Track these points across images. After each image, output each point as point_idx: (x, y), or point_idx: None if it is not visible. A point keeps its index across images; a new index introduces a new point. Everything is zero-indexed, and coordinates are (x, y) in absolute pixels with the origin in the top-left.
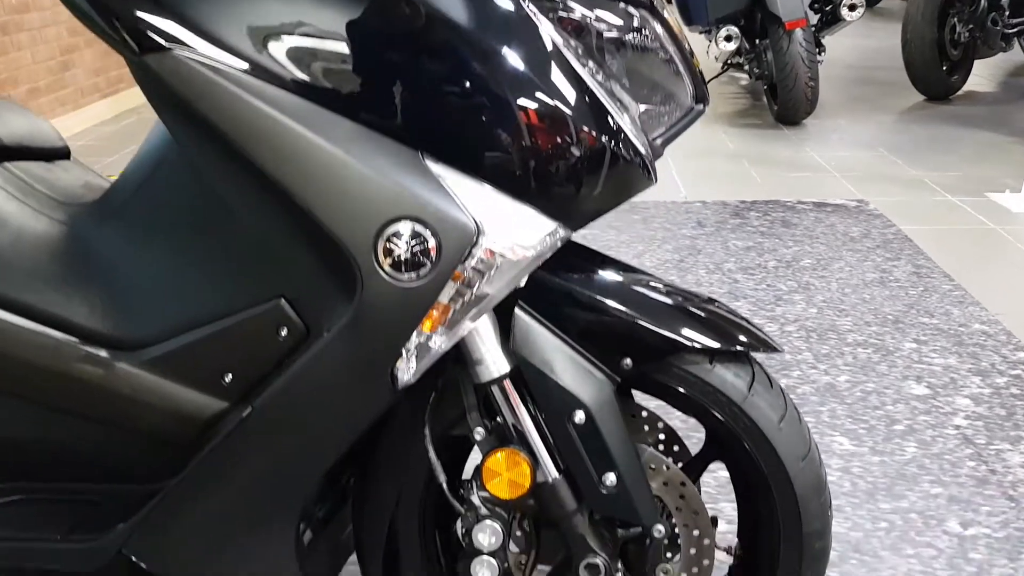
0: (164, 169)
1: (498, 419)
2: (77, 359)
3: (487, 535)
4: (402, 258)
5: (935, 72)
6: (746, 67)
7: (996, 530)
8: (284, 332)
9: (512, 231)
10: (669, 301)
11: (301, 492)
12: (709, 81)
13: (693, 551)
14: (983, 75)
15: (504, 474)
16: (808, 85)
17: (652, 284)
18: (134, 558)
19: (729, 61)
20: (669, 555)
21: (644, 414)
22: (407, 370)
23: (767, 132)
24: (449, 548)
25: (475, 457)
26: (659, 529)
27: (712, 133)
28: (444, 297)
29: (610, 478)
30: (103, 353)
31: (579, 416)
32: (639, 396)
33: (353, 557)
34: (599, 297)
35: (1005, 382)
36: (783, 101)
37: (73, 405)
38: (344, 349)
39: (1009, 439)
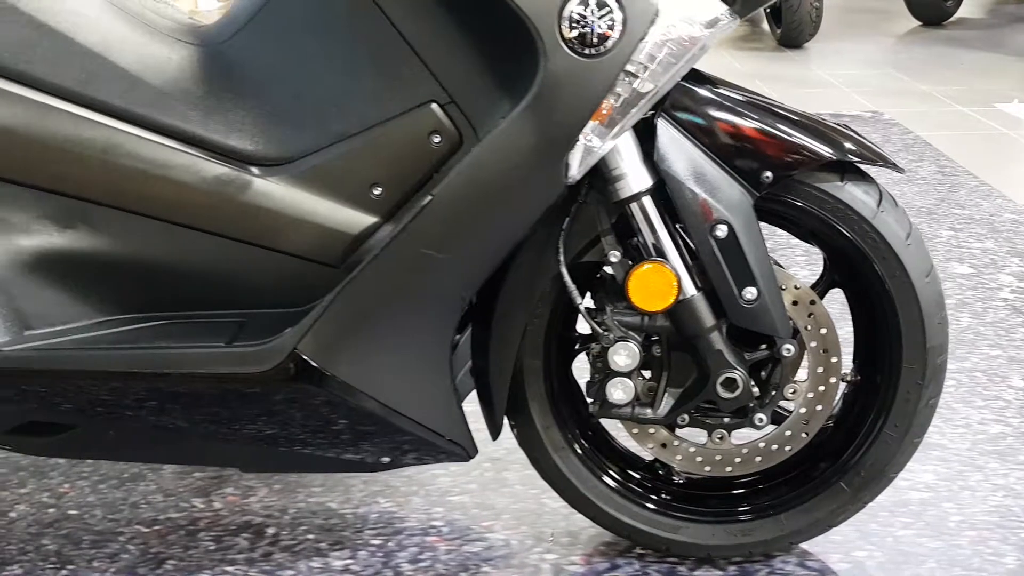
0: None
1: (636, 239)
2: (218, 177)
3: (623, 356)
4: (588, 31)
5: None
6: None
7: None
8: (437, 139)
9: (686, 10)
10: (802, 119)
11: (459, 303)
12: None
13: (821, 369)
14: (973, 3)
15: (651, 287)
16: (813, 6)
17: (783, 105)
18: (306, 357)
19: None
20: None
21: None
22: (575, 163)
23: (773, 54)
24: (568, 383)
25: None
26: (788, 348)
27: (719, 57)
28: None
29: (751, 292)
30: (246, 170)
31: (721, 230)
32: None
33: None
34: (740, 109)
35: None
36: (787, 23)
37: (215, 225)
38: (520, 136)
39: None
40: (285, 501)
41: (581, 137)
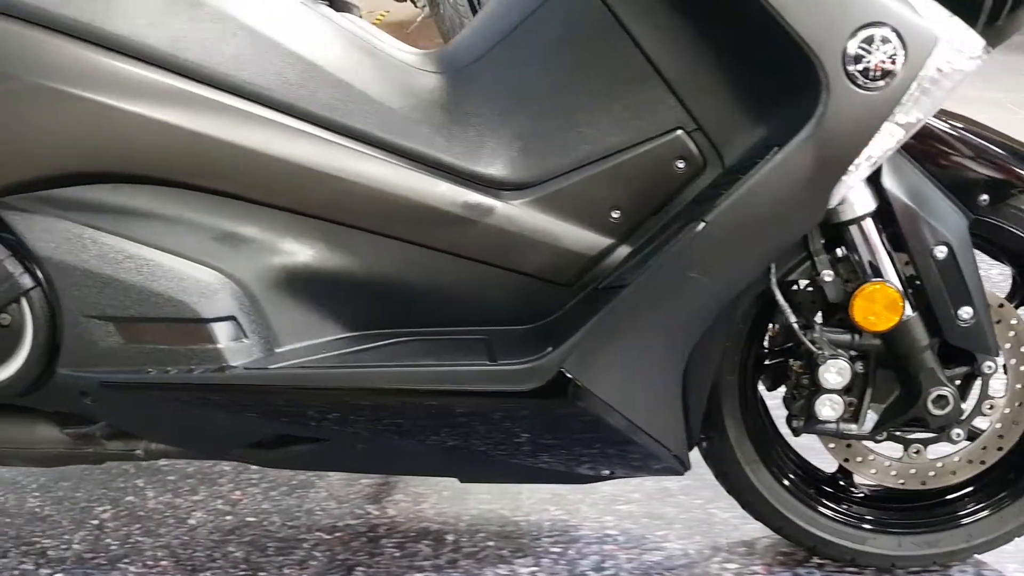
0: (551, 3)
1: (854, 257)
2: (463, 201)
3: (834, 373)
4: (871, 65)
5: None
6: None
7: None
8: (681, 165)
9: (951, 47)
10: (1011, 143)
11: (707, 323)
12: None
13: (1020, 386)
14: None
15: (877, 307)
16: None
17: (992, 129)
18: (571, 375)
19: None
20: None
21: None
22: (837, 192)
23: None
24: (755, 398)
25: None
26: (990, 364)
27: None
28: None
29: (967, 311)
30: (488, 194)
31: (941, 251)
32: None
33: None
34: (957, 133)
35: None
36: None
37: (455, 246)
38: (795, 166)
39: None
40: (457, 508)
41: (852, 167)
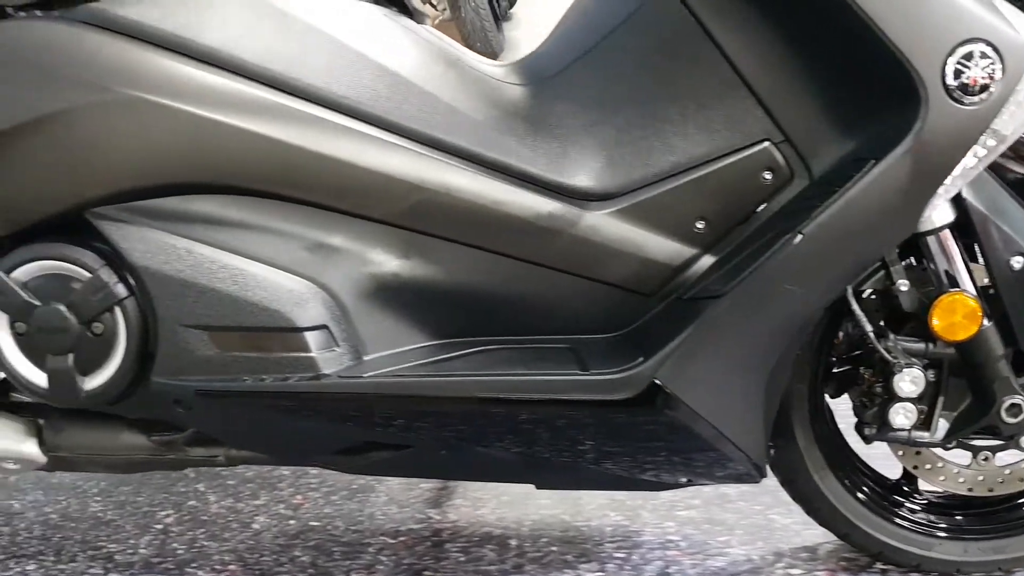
0: (637, 15)
1: (931, 267)
2: (547, 211)
3: (909, 382)
4: (970, 80)
5: None
6: None
7: None
8: (768, 176)
9: None
10: None
11: (796, 333)
12: None
13: None
14: None
15: (956, 317)
16: None
17: None
18: (664, 385)
19: None
20: None
21: None
22: (931, 205)
23: None
24: (824, 410)
25: None
26: None
27: None
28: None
29: None
30: (574, 205)
31: (1017, 261)
32: None
33: None
34: None
35: None
36: None
37: (540, 256)
38: (892, 180)
39: None
40: (517, 513)
41: (947, 180)
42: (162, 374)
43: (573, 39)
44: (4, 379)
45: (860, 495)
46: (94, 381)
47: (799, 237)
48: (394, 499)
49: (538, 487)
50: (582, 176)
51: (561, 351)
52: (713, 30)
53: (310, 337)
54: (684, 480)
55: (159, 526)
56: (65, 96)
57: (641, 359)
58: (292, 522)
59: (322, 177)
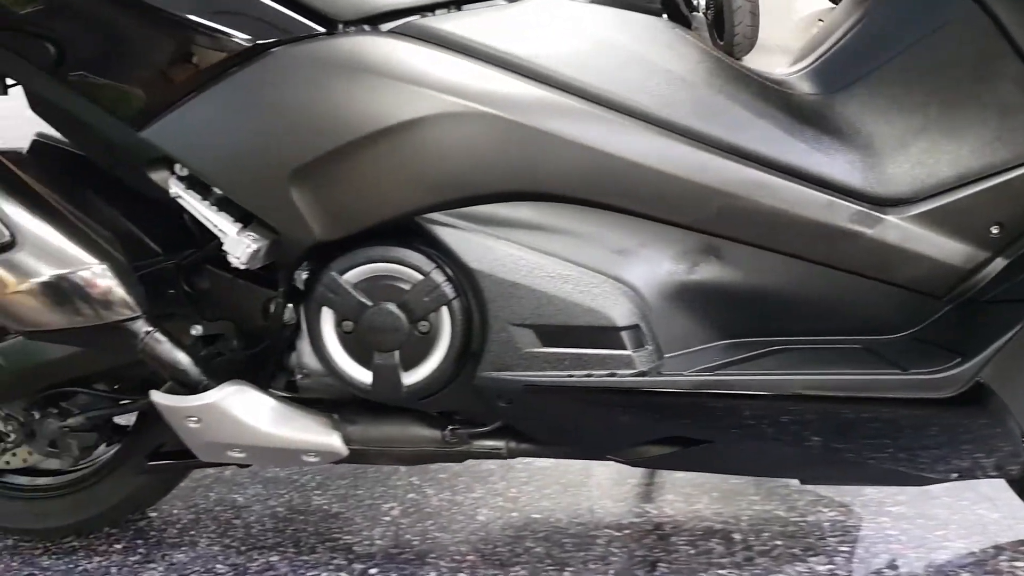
0: (944, 31)
1: None
2: (845, 216)
3: None
4: None
5: None
6: None
7: None
8: None
9: None
10: None
11: None
12: None
13: None
14: None
15: None
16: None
17: None
18: (987, 384)
19: None
20: None
21: None
22: None
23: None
24: None
25: None
26: None
27: None
28: None
29: None
30: (869, 209)
31: None
32: None
33: None
34: None
35: None
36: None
37: (833, 258)
38: None
39: None
40: (731, 508)
41: None
42: (490, 370)
43: (867, 51)
44: (293, 378)
45: None
46: (414, 377)
47: None
48: (606, 494)
49: (803, 482)
50: (880, 182)
51: (857, 351)
52: (1021, 44)
53: (626, 335)
54: (955, 476)
55: (387, 518)
56: (407, 107)
57: (959, 359)
58: (515, 514)
59: (635, 185)
